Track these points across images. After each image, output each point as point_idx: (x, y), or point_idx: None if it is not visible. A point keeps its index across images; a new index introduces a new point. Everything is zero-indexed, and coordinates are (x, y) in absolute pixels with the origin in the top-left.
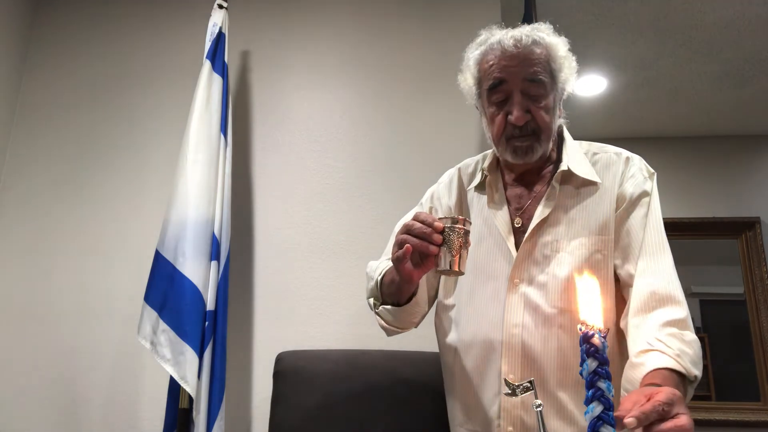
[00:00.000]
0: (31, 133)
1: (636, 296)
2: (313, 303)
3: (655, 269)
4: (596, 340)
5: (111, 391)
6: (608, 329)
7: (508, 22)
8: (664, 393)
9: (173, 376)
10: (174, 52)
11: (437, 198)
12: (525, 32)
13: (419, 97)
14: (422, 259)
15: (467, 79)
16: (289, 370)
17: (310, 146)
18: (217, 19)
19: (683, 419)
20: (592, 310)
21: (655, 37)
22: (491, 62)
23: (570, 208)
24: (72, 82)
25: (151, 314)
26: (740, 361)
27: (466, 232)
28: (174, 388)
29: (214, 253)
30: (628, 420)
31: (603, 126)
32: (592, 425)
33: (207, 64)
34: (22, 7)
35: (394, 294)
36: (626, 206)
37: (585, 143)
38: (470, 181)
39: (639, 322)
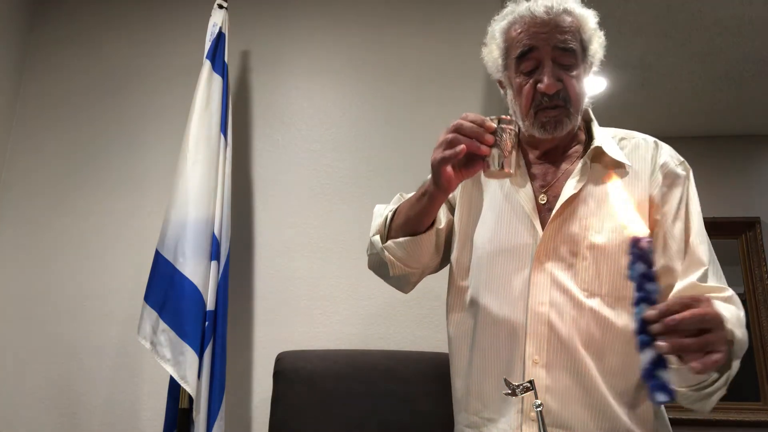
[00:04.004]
0: (30, 133)
1: (679, 287)
2: (313, 303)
3: (698, 266)
4: (644, 243)
5: (111, 391)
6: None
7: None
8: (712, 311)
9: (173, 376)
10: (174, 52)
11: None
12: (555, 1)
13: (419, 97)
14: (467, 162)
15: (492, 51)
16: (289, 370)
17: (310, 146)
18: (217, 19)
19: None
20: (633, 217)
21: (655, 37)
22: (520, 30)
23: (601, 188)
24: (72, 82)
25: (151, 314)
26: (740, 361)
27: (516, 133)
28: (174, 388)
29: (214, 253)
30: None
31: (603, 126)
32: (647, 370)
33: (207, 64)
34: (21, 7)
35: (413, 219)
36: (660, 196)
37: (610, 129)
38: None
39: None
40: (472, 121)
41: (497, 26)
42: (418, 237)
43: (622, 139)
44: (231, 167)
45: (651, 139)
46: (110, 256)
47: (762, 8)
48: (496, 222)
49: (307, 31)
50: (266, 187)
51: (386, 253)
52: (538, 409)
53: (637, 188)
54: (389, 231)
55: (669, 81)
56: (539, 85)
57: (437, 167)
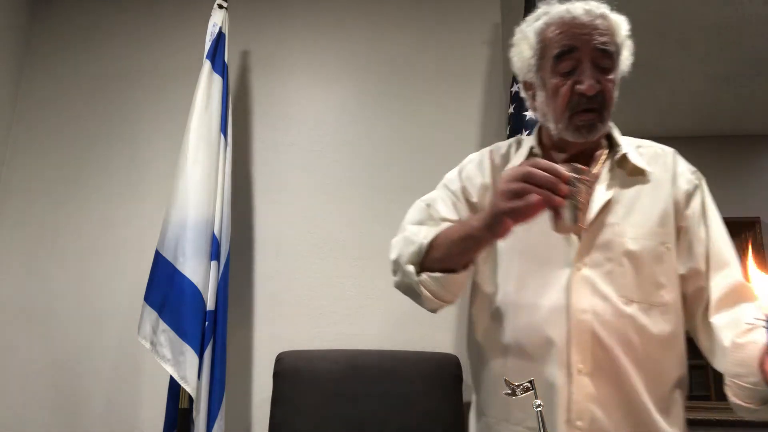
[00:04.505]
0: (30, 134)
1: (715, 293)
2: (313, 303)
3: (726, 265)
4: None
5: (111, 391)
6: None
7: (508, 23)
8: None
9: (173, 376)
10: (174, 52)
11: (467, 177)
12: (593, 4)
13: (419, 97)
14: (532, 213)
15: (523, 52)
16: (289, 370)
17: (310, 146)
18: (217, 19)
19: None
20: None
21: (655, 37)
22: (559, 30)
23: (627, 194)
24: (72, 82)
25: (151, 314)
26: None
27: (591, 183)
28: (174, 388)
29: (214, 253)
30: None
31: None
32: None
33: (207, 64)
34: (21, 8)
35: (454, 257)
36: (683, 203)
37: (626, 137)
38: (505, 161)
39: (725, 316)
40: (544, 169)
41: (531, 27)
42: (458, 275)
43: (639, 147)
44: (231, 167)
45: (668, 149)
46: (110, 256)
47: (762, 8)
48: (525, 227)
49: (307, 31)
50: (266, 187)
51: (422, 288)
52: (538, 409)
53: (661, 195)
54: (426, 260)
55: (669, 81)
56: (579, 86)
57: (500, 217)
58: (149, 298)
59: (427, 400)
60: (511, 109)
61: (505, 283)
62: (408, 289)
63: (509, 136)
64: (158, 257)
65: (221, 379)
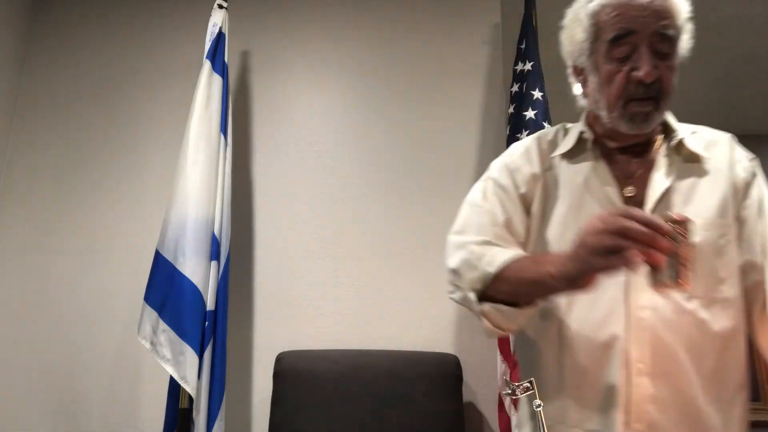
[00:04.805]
0: (30, 134)
1: None
2: (313, 303)
3: None
4: None
5: (111, 391)
6: None
7: (509, 22)
8: None
9: (173, 376)
10: (174, 52)
11: (514, 169)
12: None
13: (419, 97)
14: (626, 268)
15: (575, 35)
16: (289, 370)
17: (310, 146)
18: (217, 19)
19: None
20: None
21: None
22: (615, 13)
23: (684, 182)
24: (72, 82)
25: (151, 314)
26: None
27: (691, 234)
28: (174, 388)
29: (214, 253)
30: None
31: None
32: None
33: (207, 64)
34: (21, 8)
35: (521, 296)
36: (741, 192)
37: (680, 123)
38: (552, 148)
39: None
40: (641, 222)
41: (584, 9)
42: (523, 309)
43: (694, 132)
44: (231, 167)
45: (724, 134)
46: (110, 256)
47: (762, 8)
48: (577, 213)
49: (307, 31)
50: (266, 187)
51: (484, 320)
52: (538, 409)
53: (719, 183)
54: (490, 289)
55: None
56: (635, 72)
57: (587, 271)
58: (149, 298)
59: (427, 400)
60: (511, 109)
61: None
62: (467, 308)
63: (509, 136)
64: (158, 257)
65: (221, 379)
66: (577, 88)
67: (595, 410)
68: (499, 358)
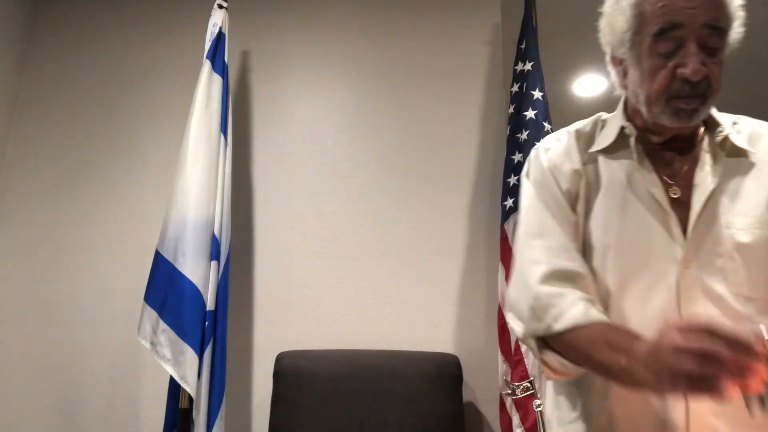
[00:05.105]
0: (30, 134)
1: None
2: (313, 303)
3: None
4: None
5: (111, 391)
6: None
7: (508, 22)
8: None
9: (173, 376)
10: (174, 53)
11: (554, 167)
12: None
13: (419, 97)
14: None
15: (615, 24)
16: (289, 370)
17: (310, 146)
18: (217, 19)
19: None
20: None
21: None
22: (661, 3)
23: (730, 179)
24: (72, 82)
25: (151, 314)
26: None
27: None
28: (174, 388)
29: (214, 253)
30: None
31: None
32: None
33: (207, 64)
34: (21, 8)
35: (586, 366)
36: None
37: (720, 113)
38: (591, 142)
39: None
40: (731, 343)
41: None
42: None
43: (734, 123)
44: (231, 167)
45: (766, 124)
46: (110, 256)
47: (762, 8)
48: (620, 214)
49: (307, 31)
50: (266, 187)
51: (543, 365)
52: (538, 408)
53: (766, 178)
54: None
55: None
56: (681, 69)
57: (665, 390)
58: (149, 298)
59: (427, 400)
60: (511, 109)
61: (601, 281)
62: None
63: (509, 136)
64: (158, 257)
65: (221, 379)
66: (614, 77)
67: (646, 423)
68: (500, 358)
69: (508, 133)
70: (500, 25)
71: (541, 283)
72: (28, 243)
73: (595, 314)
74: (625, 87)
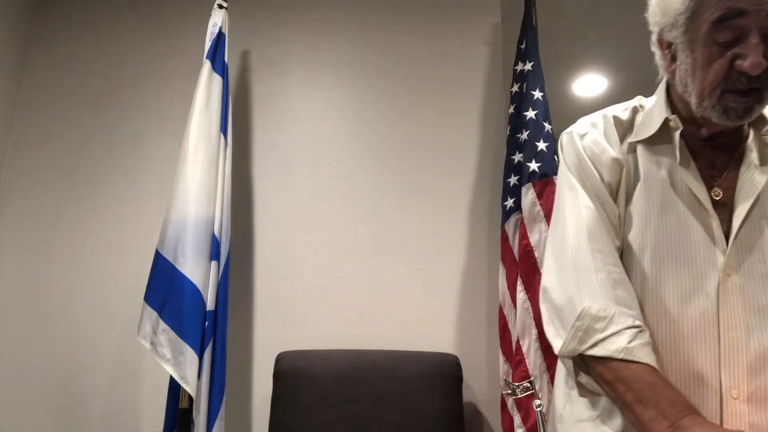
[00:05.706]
0: (30, 134)
1: None
2: (313, 303)
3: None
4: None
5: (111, 391)
6: None
7: (508, 22)
8: None
9: (173, 376)
10: (174, 53)
11: (592, 156)
12: None
13: (419, 97)
14: None
15: (670, 3)
16: (289, 370)
17: (309, 146)
18: (217, 19)
19: None
20: None
21: None
22: None
23: None
24: (72, 82)
25: (151, 314)
26: None
27: None
28: (174, 388)
29: (214, 253)
30: None
31: None
32: None
33: (207, 64)
34: (21, 8)
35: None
36: None
37: None
38: (629, 130)
39: None
40: None
41: None
42: None
43: None
44: (231, 167)
45: None
46: (110, 256)
47: None
48: (660, 212)
49: (307, 31)
50: (266, 187)
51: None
52: (539, 408)
53: None
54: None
55: None
56: (740, 61)
57: None
58: (149, 298)
59: (427, 400)
60: (511, 109)
61: (634, 283)
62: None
63: (509, 136)
64: (158, 257)
65: (221, 379)
66: (659, 60)
67: None
68: (501, 358)
69: (508, 133)
70: (500, 25)
71: (589, 297)
72: (27, 243)
73: (639, 351)
74: (672, 73)
